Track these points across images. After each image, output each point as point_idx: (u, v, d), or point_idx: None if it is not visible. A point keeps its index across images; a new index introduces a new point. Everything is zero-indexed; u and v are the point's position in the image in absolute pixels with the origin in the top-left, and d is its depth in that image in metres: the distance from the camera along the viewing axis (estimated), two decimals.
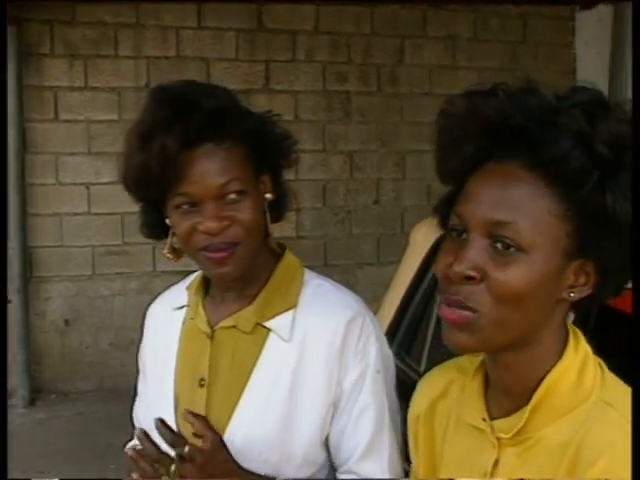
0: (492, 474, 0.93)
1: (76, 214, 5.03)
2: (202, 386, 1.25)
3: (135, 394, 1.45)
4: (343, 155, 5.48)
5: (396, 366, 1.32)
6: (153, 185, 1.14)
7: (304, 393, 1.21)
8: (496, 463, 0.92)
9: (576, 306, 0.92)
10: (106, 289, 5.15)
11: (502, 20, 5.62)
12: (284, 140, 1.25)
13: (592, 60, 5.53)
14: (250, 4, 5.15)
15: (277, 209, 1.26)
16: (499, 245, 0.84)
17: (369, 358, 1.23)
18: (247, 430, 1.21)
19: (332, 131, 5.43)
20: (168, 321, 1.35)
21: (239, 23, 5.18)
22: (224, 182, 1.13)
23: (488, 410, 0.95)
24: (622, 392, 0.88)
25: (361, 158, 5.53)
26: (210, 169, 1.13)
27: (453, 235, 0.89)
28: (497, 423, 0.93)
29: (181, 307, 1.34)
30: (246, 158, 1.17)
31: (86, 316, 5.13)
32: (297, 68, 5.33)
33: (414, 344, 2.28)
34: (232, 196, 1.14)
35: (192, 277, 1.37)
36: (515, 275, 0.83)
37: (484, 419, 0.94)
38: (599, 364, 0.91)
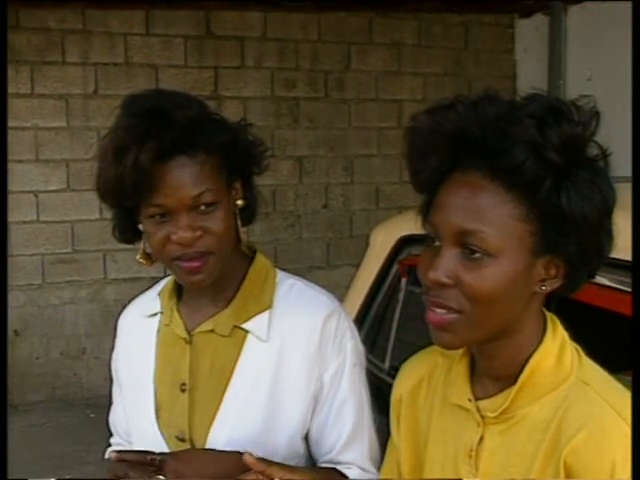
0: (477, 450, 0.99)
1: (24, 222, 4.95)
2: (183, 391, 1.27)
3: (100, 406, 1.46)
4: (292, 160, 5.53)
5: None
6: (127, 196, 1.15)
7: (285, 391, 1.25)
8: (481, 440, 0.99)
9: (552, 294, 0.98)
10: (56, 298, 5.08)
11: (445, 27, 5.75)
12: (256, 147, 1.27)
13: (531, 66, 5.71)
14: (198, 11, 5.16)
15: (247, 213, 1.28)
16: (469, 252, 0.90)
17: (346, 352, 1.28)
18: (231, 431, 1.23)
19: (281, 136, 5.47)
20: (141, 329, 1.36)
21: (187, 30, 5.18)
22: (197, 194, 1.15)
23: (473, 391, 1.02)
24: (598, 372, 0.96)
25: (310, 163, 5.58)
26: (183, 181, 1.14)
27: (430, 242, 0.95)
28: (482, 403, 0.99)
29: (154, 314, 1.35)
30: (219, 168, 1.18)
31: (36, 326, 5.05)
32: (246, 74, 5.36)
33: (377, 342, 2.34)
34: (204, 207, 1.16)
35: (163, 283, 1.39)
36: (486, 278, 0.89)
37: (470, 399, 1.01)
38: (575, 348, 0.98)
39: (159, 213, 1.16)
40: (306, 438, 1.30)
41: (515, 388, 0.95)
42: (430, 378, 1.11)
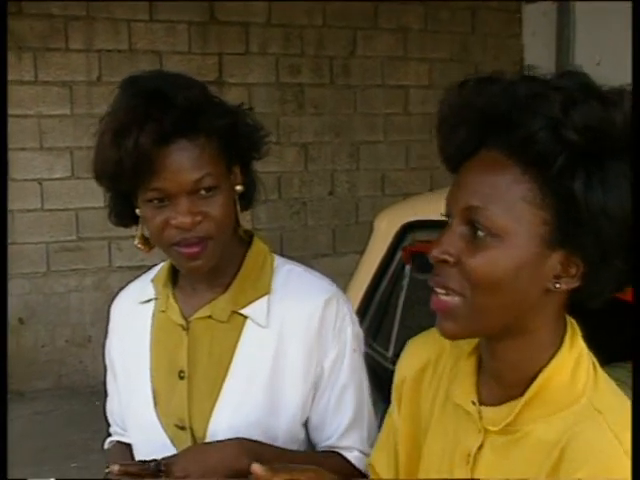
0: (475, 457, 0.93)
1: (29, 210, 4.94)
2: (182, 378, 1.25)
3: (106, 393, 1.43)
4: (297, 147, 5.50)
5: (364, 352, 1.35)
6: (126, 180, 1.13)
7: (285, 376, 1.24)
8: (480, 447, 0.93)
9: (576, 302, 0.91)
10: (61, 286, 5.08)
11: (452, 12, 5.71)
12: (255, 132, 1.25)
13: (539, 51, 5.66)
14: None
15: (245, 199, 1.26)
16: (473, 230, 0.85)
17: (346, 338, 1.26)
18: (231, 418, 1.22)
19: (286, 123, 5.44)
20: (135, 315, 1.34)
21: (191, 16, 5.14)
22: (197, 178, 1.13)
23: (478, 393, 0.95)
24: (614, 399, 0.89)
25: (315, 150, 5.56)
26: (183, 165, 1.12)
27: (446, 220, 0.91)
28: (485, 411, 0.93)
29: (148, 300, 1.33)
30: (219, 152, 1.17)
31: (41, 314, 5.05)
32: (250, 61, 5.33)
33: (381, 330, 2.32)
34: (204, 191, 1.14)
35: (157, 269, 1.37)
36: (486, 260, 0.84)
37: (473, 402, 0.95)
38: (592, 363, 0.91)
39: (158, 197, 1.14)
40: (305, 424, 1.28)
41: (521, 402, 0.89)
42: (436, 364, 1.05)
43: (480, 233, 0.84)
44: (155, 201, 1.14)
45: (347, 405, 1.27)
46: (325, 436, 1.28)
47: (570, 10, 5.41)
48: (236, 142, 1.20)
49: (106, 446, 1.45)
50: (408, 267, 2.25)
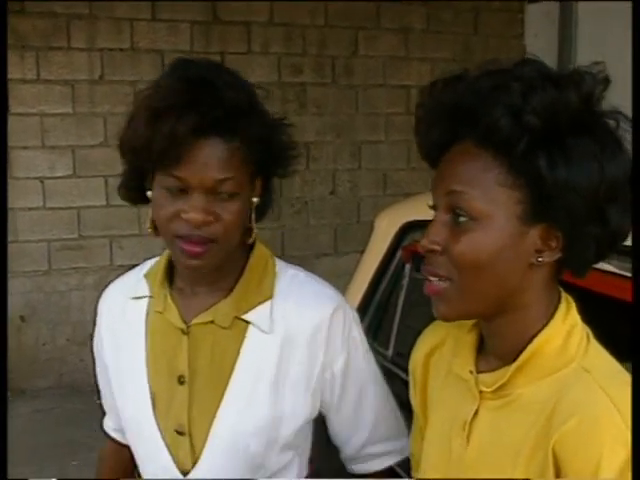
0: (471, 424, 0.99)
1: (30, 209, 4.94)
2: (182, 383, 1.22)
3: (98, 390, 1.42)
4: (299, 146, 5.48)
5: None
6: (151, 161, 1.12)
7: (288, 384, 1.22)
8: (476, 414, 0.99)
9: (560, 273, 0.96)
10: (63, 284, 5.07)
11: (454, 12, 5.69)
12: (288, 150, 1.23)
13: (541, 51, 5.62)
14: None
15: (259, 212, 1.24)
16: (456, 217, 0.92)
17: (356, 342, 1.27)
18: (234, 425, 1.21)
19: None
20: (127, 311, 1.31)
21: (193, 15, 5.14)
22: (220, 179, 1.11)
23: (477, 365, 1.02)
24: (602, 359, 0.94)
25: (317, 149, 5.55)
26: (211, 162, 1.10)
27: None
28: (481, 377, 0.99)
29: (141, 297, 1.29)
30: (248, 160, 1.14)
31: (43, 312, 5.05)
32: (252, 60, 5.31)
33: (381, 330, 2.32)
34: (224, 194, 1.12)
35: (148, 265, 1.34)
36: (469, 244, 0.90)
37: (471, 371, 1.01)
38: (587, 334, 0.96)
39: (177, 186, 1.12)
40: (324, 427, 1.30)
41: (514, 366, 0.94)
42: (442, 347, 1.12)
43: (462, 219, 0.91)
44: (173, 189, 1.12)
45: (368, 408, 1.30)
46: (357, 445, 1.32)
47: (572, 10, 5.41)
48: (267, 154, 1.18)
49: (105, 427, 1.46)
50: (408, 266, 2.25)
